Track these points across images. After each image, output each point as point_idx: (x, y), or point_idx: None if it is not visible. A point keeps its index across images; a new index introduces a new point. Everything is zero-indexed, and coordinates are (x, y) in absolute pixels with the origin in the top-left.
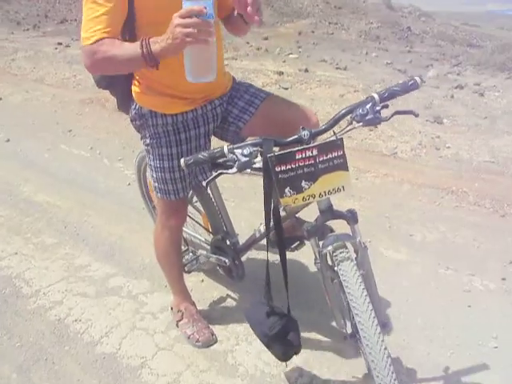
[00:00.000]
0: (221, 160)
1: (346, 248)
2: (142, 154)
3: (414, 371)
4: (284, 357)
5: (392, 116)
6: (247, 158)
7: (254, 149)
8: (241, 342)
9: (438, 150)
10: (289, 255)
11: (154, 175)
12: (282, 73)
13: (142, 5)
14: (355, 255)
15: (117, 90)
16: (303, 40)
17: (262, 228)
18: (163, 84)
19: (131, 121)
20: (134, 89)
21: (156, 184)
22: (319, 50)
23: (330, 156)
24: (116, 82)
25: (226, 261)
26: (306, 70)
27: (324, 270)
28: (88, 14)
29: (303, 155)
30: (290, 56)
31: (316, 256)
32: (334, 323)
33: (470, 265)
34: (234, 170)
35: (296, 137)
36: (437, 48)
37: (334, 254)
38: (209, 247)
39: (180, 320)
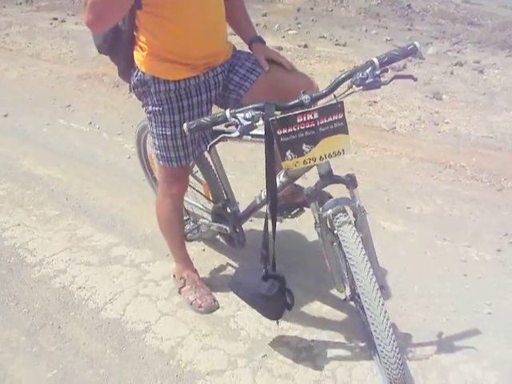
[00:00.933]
0: (223, 124)
1: (346, 212)
2: (143, 125)
3: (410, 336)
4: (278, 315)
5: (391, 80)
6: (249, 122)
7: (256, 112)
8: (242, 308)
9: (436, 126)
10: (288, 224)
11: (157, 142)
12: (281, 48)
13: None
14: (354, 219)
15: (119, 56)
16: (302, 16)
17: (263, 195)
18: (166, 50)
19: (133, 88)
20: (137, 55)
21: (158, 151)
22: (318, 26)
23: (330, 119)
24: (118, 47)
25: (227, 228)
26: (306, 46)
27: (324, 233)
28: None
29: (304, 118)
30: (289, 32)
31: (316, 220)
32: (332, 289)
33: (467, 236)
34: (237, 133)
35: (297, 101)
36: (437, 26)
37: (334, 218)
38: (210, 216)
39: (182, 287)
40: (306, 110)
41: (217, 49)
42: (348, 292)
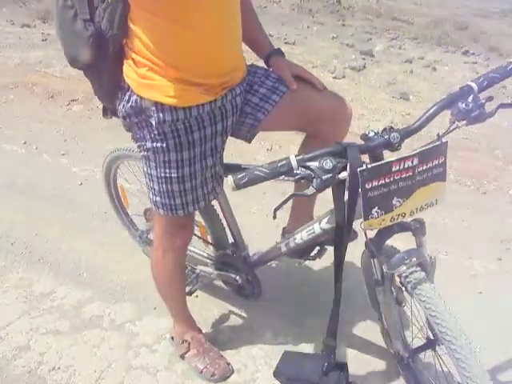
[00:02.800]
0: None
1: (419, 267)
2: (114, 155)
3: None
4: None
5: (497, 110)
6: (329, 174)
7: (337, 160)
8: (261, 368)
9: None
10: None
11: (156, 187)
12: None
13: None
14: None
15: (101, 72)
16: None
17: (292, 242)
18: (172, 65)
19: (123, 118)
20: (129, 72)
21: (158, 198)
22: None
23: (430, 165)
24: (101, 59)
25: (237, 278)
26: None
27: (388, 292)
28: None
29: (401, 166)
30: None
31: (378, 278)
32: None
33: (466, 247)
34: (312, 190)
35: (383, 140)
36: (368, 21)
37: (408, 276)
38: (211, 262)
39: (186, 352)
40: (405, 155)
41: (235, 63)
42: (405, 352)
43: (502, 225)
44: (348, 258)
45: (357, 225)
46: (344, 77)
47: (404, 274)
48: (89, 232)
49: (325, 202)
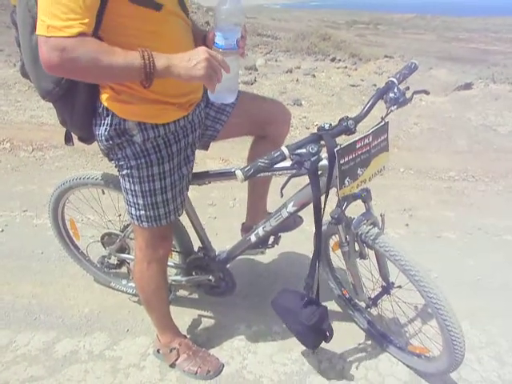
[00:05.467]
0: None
1: (374, 225)
2: (60, 190)
3: None
4: (315, 345)
5: (412, 96)
6: (316, 156)
7: (318, 145)
8: (246, 355)
9: (308, 129)
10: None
11: (141, 201)
12: None
13: None
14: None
15: (74, 103)
16: None
17: (261, 231)
18: (150, 89)
19: (105, 141)
20: (107, 98)
21: (142, 212)
22: None
23: (379, 140)
24: (75, 91)
25: (211, 277)
26: None
27: (352, 250)
28: None
29: (362, 143)
30: None
31: (342, 240)
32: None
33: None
34: (305, 171)
35: (343, 126)
36: None
37: (368, 233)
38: (180, 270)
39: (177, 359)
40: (364, 134)
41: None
42: (367, 301)
43: (401, 197)
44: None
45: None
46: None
47: (364, 232)
48: (31, 275)
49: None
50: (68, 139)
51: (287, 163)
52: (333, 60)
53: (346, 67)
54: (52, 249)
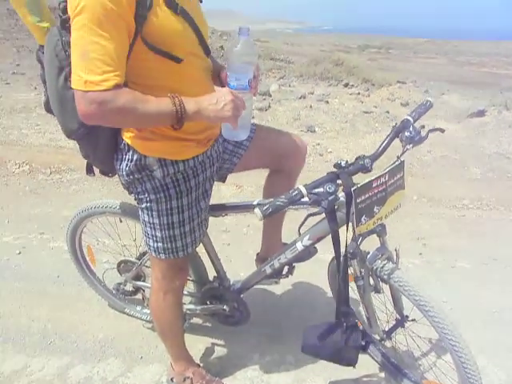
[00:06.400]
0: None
1: (390, 260)
2: (77, 219)
3: None
4: (355, 360)
5: (428, 134)
6: (333, 196)
7: (335, 184)
8: (255, 380)
9: (321, 156)
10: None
11: (159, 234)
12: None
13: (153, 30)
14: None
15: (98, 140)
16: None
17: (276, 262)
18: (169, 126)
19: (126, 175)
20: (129, 135)
21: (160, 244)
22: None
23: (395, 178)
24: (99, 129)
25: (225, 307)
26: None
27: (367, 284)
28: (90, 49)
29: (378, 182)
30: None
31: (357, 274)
32: None
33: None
34: (322, 210)
35: (360, 165)
36: None
37: (383, 268)
38: (195, 299)
39: None
40: (380, 174)
41: None
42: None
43: (415, 226)
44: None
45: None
46: (253, 117)
47: (379, 267)
48: (47, 299)
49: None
50: (89, 170)
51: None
52: (346, 85)
53: (358, 93)
54: (68, 272)
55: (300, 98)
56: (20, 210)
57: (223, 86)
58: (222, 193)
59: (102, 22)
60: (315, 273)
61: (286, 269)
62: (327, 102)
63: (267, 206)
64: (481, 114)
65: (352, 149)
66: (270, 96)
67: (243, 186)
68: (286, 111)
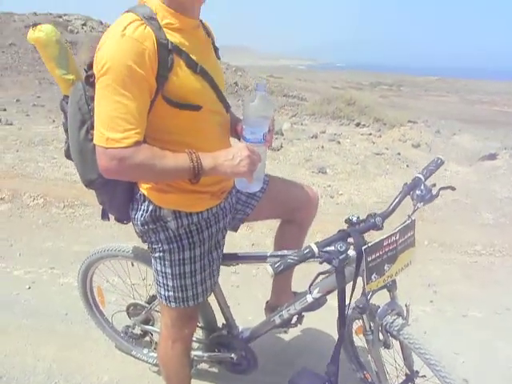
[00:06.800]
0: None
1: (400, 315)
2: (89, 261)
3: None
4: None
5: (439, 192)
6: (344, 254)
7: (347, 242)
8: None
9: (332, 198)
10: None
11: (170, 283)
12: None
13: (173, 89)
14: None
15: (115, 190)
16: None
17: (285, 313)
18: (186, 180)
19: (141, 225)
20: (147, 187)
21: (171, 293)
22: None
23: (406, 237)
24: (117, 180)
25: (233, 355)
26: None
27: (376, 339)
28: (113, 108)
29: (389, 241)
30: None
31: (367, 328)
32: None
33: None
34: (333, 268)
35: (370, 223)
36: None
37: (392, 323)
38: (203, 345)
39: None
40: (392, 233)
41: None
42: None
43: (426, 271)
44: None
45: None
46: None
47: (389, 323)
48: (54, 337)
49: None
50: (104, 216)
51: None
52: (357, 125)
53: (370, 134)
54: (76, 310)
55: (312, 137)
56: (32, 244)
57: (238, 139)
58: (232, 234)
59: (126, 83)
60: (324, 319)
61: (295, 318)
62: (339, 142)
63: (279, 263)
64: (492, 157)
65: (363, 191)
66: (283, 135)
67: (254, 226)
68: (297, 151)
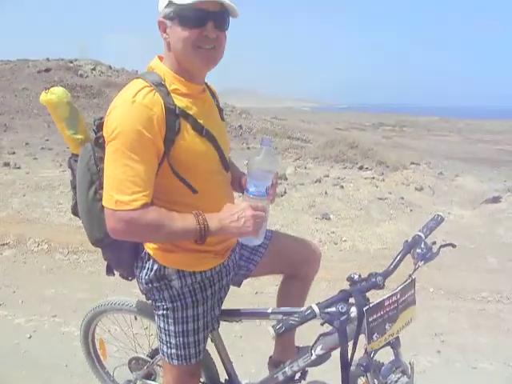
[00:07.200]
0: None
1: (404, 374)
2: (92, 314)
3: None
4: None
5: (439, 249)
6: (345, 316)
7: (348, 303)
8: None
9: (336, 245)
10: None
11: (173, 341)
12: None
13: (179, 153)
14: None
15: (122, 249)
16: None
17: (289, 370)
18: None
19: (145, 283)
20: (151, 247)
21: (173, 350)
22: None
23: (407, 296)
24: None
25: None
26: None
27: None
28: (122, 171)
29: (390, 301)
30: None
31: None
32: None
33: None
34: (334, 330)
35: (371, 283)
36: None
37: (397, 382)
38: None
39: None
40: (393, 292)
41: None
42: None
43: (432, 319)
44: None
45: None
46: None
47: (393, 381)
48: None
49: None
50: (109, 271)
51: None
52: (360, 168)
53: (373, 178)
54: (76, 362)
55: (315, 181)
56: (35, 290)
57: (242, 192)
58: None
59: (135, 147)
60: (328, 371)
61: (298, 373)
62: (342, 186)
63: (280, 324)
64: (496, 200)
65: (367, 237)
66: (286, 179)
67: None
68: (301, 197)
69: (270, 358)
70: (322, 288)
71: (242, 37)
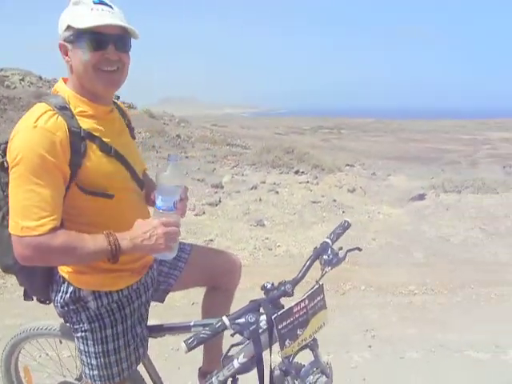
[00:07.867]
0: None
1: (322, 373)
2: (16, 339)
3: None
4: None
5: (346, 254)
6: (254, 325)
7: (257, 314)
8: None
9: (270, 250)
10: None
11: (94, 362)
12: None
13: (87, 175)
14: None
15: (34, 274)
16: None
17: (215, 380)
18: (105, 260)
19: (61, 307)
20: (65, 270)
21: (95, 372)
22: None
23: (316, 301)
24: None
25: None
26: None
27: None
28: (27, 197)
29: (299, 307)
30: None
31: None
32: None
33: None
34: (247, 341)
35: (281, 291)
36: (207, 151)
37: (316, 382)
38: None
39: None
40: (300, 299)
41: None
42: None
43: (363, 317)
44: None
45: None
46: (204, 213)
47: (313, 382)
48: None
49: None
50: (27, 296)
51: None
52: (296, 172)
53: (307, 182)
54: None
55: (252, 188)
56: None
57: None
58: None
59: (38, 172)
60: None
61: (229, 382)
62: (277, 192)
63: (192, 339)
64: (421, 197)
65: (300, 241)
66: (222, 188)
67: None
68: (236, 205)
69: (200, 369)
70: (257, 294)
71: (178, 44)
